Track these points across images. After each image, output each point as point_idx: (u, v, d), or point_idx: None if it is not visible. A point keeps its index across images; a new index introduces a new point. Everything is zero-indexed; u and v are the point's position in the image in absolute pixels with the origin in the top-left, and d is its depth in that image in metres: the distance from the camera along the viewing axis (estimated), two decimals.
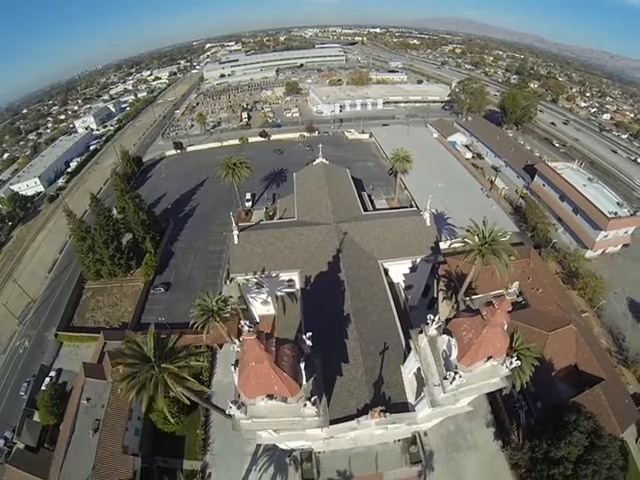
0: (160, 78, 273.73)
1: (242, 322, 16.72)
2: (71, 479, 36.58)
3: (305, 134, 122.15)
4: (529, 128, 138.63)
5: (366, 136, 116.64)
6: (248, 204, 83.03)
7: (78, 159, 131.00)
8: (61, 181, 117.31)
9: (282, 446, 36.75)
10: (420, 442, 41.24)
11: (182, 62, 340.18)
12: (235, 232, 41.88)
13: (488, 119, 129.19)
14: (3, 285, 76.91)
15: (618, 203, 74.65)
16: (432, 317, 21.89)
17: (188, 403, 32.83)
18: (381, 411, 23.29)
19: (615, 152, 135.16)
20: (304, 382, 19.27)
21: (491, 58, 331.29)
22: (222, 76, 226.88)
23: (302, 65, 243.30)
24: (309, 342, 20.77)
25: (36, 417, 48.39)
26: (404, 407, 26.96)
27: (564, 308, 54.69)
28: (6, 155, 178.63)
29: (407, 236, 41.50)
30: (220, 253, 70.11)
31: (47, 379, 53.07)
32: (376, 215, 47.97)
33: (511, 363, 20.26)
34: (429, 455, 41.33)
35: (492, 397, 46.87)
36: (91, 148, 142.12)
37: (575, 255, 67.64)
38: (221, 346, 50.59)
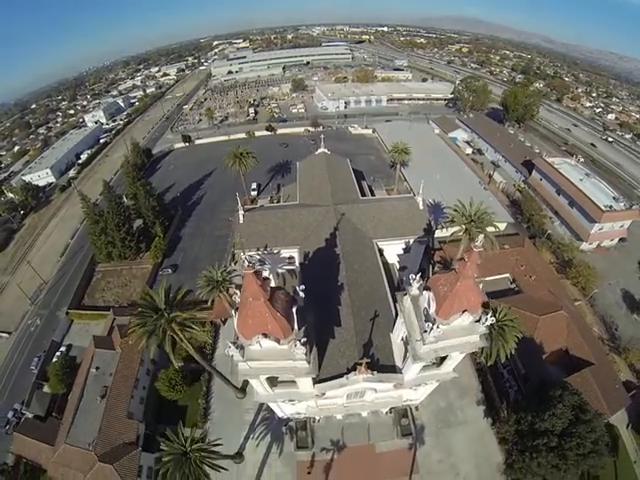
0: (168, 74, 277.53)
1: (245, 256, 19.06)
2: (78, 441, 39.07)
3: (310, 129, 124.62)
4: (531, 126, 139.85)
5: (369, 131, 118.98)
6: (254, 193, 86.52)
7: (88, 151, 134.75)
8: (72, 172, 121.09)
9: (279, 413, 39.12)
10: (411, 416, 43.46)
11: (190, 59, 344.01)
12: (241, 212, 44.43)
13: (491, 117, 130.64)
14: (16, 268, 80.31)
15: (614, 197, 76.05)
16: (414, 276, 24.07)
17: (193, 351, 35.38)
18: (367, 364, 25.53)
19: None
20: (295, 327, 21.60)
21: (497, 58, 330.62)
22: (229, 73, 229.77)
23: (309, 63, 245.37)
24: (302, 294, 23.05)
25: (45, 389, 51.31)
26: (392, 369, 29.12)
27: (556, 295, 56.52)
28: (17, 148, 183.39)
29: (401, 218, 43.74)
30: (226, 238, 73.06)
31: (57, 354, 55.89)
32: (372, 199, 50.47)
33: (487, 320, 22.31)
34: (420, 429, 43.45)
35: (483, 377, 49.00)
36: (101, 141, 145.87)
37: (569, 245, 69.35)
38: (224, 322, 53.13)
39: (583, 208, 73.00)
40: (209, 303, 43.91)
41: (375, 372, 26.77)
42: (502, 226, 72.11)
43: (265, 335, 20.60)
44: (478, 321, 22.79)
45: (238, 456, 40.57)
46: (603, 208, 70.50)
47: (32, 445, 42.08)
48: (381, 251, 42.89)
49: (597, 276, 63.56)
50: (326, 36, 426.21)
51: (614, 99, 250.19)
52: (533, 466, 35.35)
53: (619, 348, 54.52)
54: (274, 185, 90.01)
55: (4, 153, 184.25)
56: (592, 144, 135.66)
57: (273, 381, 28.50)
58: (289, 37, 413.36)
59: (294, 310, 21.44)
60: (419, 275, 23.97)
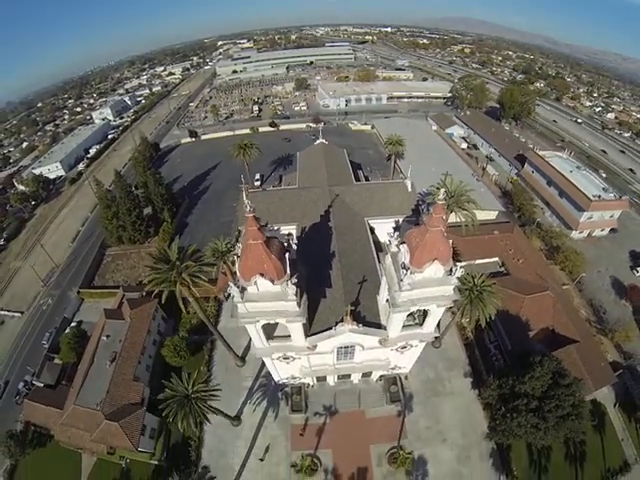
0: (174, 74, 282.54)
1: (246, 202, 22.30)
2: (87, 403, 41.94)
3: (312, 125, 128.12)
4: (528, 123, 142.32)
5: (368, 127, 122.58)
6: (257, 183, 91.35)
7: (97, 146, 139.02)
8: (81, 166, 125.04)
9: (275, 376, 42.28)
10: (400, 384, 46.38)
11: (195, 59, 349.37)
12: (244, 193, 47.83)
13: (489, 115, 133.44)
14: (28, 254, 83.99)
15: (604, 188, 78.62)
16: (393, 235, 27.14)
17: (197, 296, 38.71)
18: (351, 312, 28.62)
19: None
20: (288, 271, 24.74)
21: (500, 58, 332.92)
22: (234, 72, 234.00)
23: (312, 63, 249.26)
24: (294, 246, 26.23)
25: (56, 361, 54.36)
26: (377, 326, 32.24)
27: (543, 277, 59.12)
28: (25, 144, 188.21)
29: (390, 199, 46.87)
30: (230, 223, 76.99)
31: (68, 329, 58.71)
32: (365, 183, 53.98)
33: (457, 271, 25.33)
34: (409, 397, 46.34)
35: (471, 351, 52.03)
36: (109, 137, 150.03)
37: (557, 232, 72.03)
38: (227, 297, 56.48)
39: (572, 198, 75.71)
40: (214, 270, 46.80)
41: (360, 325, 29.79)
42: (493, 215, 75.03)
43: (262, 275, 23.75)
44: (450, 274, 25.81)
45: (236, 419, 43.73)
46: (591, 197, 73.11)
47: (41, 410, 44.66)
48: (372, 230, 45.97)
49: (584, 261, 66.02)
50: (330, 37, 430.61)
51: (615, 99, 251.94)
52: (513, 427, 37.80)
53: (606, 330, 56.69)
54: (276, 176, 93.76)
55: (12, 149, 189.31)
56: (603, 151, 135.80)
57: (269, 334, 31.69)
58: (293, 37, 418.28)
59: (287, 256, 24.58)
60: (397, 233, 27.03)
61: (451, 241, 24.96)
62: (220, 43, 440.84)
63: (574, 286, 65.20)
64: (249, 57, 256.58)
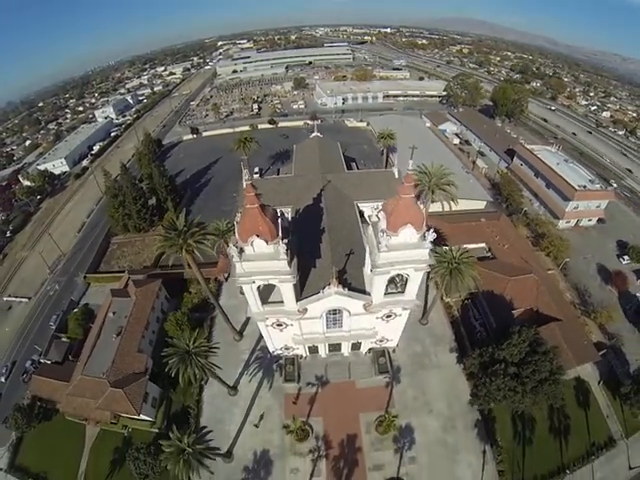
0: (174, 73, 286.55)
1: (245, 171, 25.40)
2: (94, 372, 44.87)
3: (309, 122, 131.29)
4: (522, 121, 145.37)
5: (364, 124, 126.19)
6: (256, 176, 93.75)
7: (100, 143, 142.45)
8: (85, 162, 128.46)
9: (270, 346, 45.38)
10: (388, 356, 49.35)
11: (195, 59, 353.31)
12: (244, 180, 51.15)
13: (483, 113, 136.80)
14: (35, 244, 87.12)
15: (590, 180, 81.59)
16: (373, 206, 30.29)
17: (201, 259, 42.81)
18: (337, 273, 31.70)
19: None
20: (280, 234, 27.98)
21: (498, 58, 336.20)
22: (234, 72, 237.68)
23: (311, 63, 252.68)
24: (287, 216, 29.46)
25: (63, 339, 57.03)
26: (362, 292, 35.31)
27: (528, 261, 62.08)
28: (28, 142, 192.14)
29: (378, 184, 49.89)
30: (230, 212, 79.81)
31: (75, 311, 61.29)
32: (355, 171, 57.10)
33: (429, 235, 28.32)
34: (396, 370, 49.31)
35: (456, 328, 54.90)
36: (112, 134, 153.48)
37: (542, 220, 74.93)
38: (227, 279, 59.68)
39: (558, 188, 78.78)
40: (217, 242, 49.89)
41: (346, 289, 32.87)
42: (482, 205, 78.01)
43: (257, 236, 26.95)
44: (424, 239, 28.85)
45: (233, 389, 46.75)
46: (576, 187, 76.11)
47: (48, 384, 47.49)
48: (362, 213, 49.03)
49: (568, 247, 68.66)
50: (329, 37, 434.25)
51: (612, 98, 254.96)
52: (493, 390, 40.43)
53: (589, 311, 59.12)
54: (274, 169, 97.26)
55: (15, 147, 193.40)
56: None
57: (264, 298, 34.80)
58: (292, 38, 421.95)
59: (279, 222, 27.84)
60: (376, 205, 30.19)
61: (434, 227, 27.84)
62: (220, 43, 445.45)
63: (559, 271, 67.97)
64: (249, 57, 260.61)
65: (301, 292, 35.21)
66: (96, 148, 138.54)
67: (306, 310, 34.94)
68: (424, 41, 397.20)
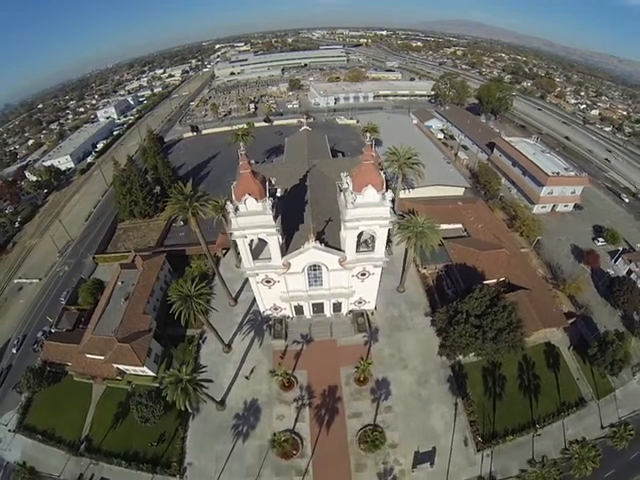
0: (173, 75, 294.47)
1: (241, 144, 31.45)
2: (103, 332, 50.22)
3: (302, 120, 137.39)
4: (507, 117, 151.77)
5: (354, 122, 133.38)
6: None
7: (104, 141, 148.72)
8: (90, 158, 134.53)
9: (261, 306, 51.14)
10: (367, 318, 54.91)
11: (193, 61, 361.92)
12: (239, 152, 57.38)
13: (470, 110, 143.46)
14: (44, 232, 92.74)
15: (565, 168, 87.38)
16: (344, 173, 36.27)
17: (204, 217, 49.63)
18: (315, 231, 37.60)
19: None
20: (267, 194, 34.15)
21: (491, 60, 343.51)
22: (232, 74, 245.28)
23: (306, 65, 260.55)
24: (273, 181, 35.60)
25: (73, 310, 61.97)
26: (337, 249, 41.12)
27: (500, 239, 67.50)
28: (31, 142, 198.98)
29: None
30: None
31: (86, 282, 66.55)
32: (339, 158, 62.91)
33: (388, 195, 34.19)
34: (374, 330, 54.84)
35: (431, 296, 60.27)
36: (114, 133, 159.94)
37: (517, 203, 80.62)
38: (224, 254, 65.78)
39: (533, 175, 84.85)
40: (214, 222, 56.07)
41: (323, 244, 38.73)
42: (460, 191, 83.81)
43: (249, 194, 33.06)
44: (384, 199, 34.74)
45: (227, 347, 52.35)
46: (549, 173, 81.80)
47: (60, 348, 52.30)
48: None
49: (540, 226, 73.97)
50: (325, 40, 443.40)
51: (603, 97, 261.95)
52: (456, 338, 45.65)
53: (559, 283, 64.14)
54: (269, 162, 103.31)
55: (18, 146, 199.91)
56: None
57: (255, 255, 40.68)
58: (289, 40, 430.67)
59: (267, 185, 34.44)
60: (346, 173, 36.22)
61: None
62: (218, 46, 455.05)
63: (532, 249, 73.31)
64: (246, 60, 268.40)
65: (286, 250, 41.08)
66: (100, 146, 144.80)
67: (290, 265, 40.81)
68: (419, 43, 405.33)
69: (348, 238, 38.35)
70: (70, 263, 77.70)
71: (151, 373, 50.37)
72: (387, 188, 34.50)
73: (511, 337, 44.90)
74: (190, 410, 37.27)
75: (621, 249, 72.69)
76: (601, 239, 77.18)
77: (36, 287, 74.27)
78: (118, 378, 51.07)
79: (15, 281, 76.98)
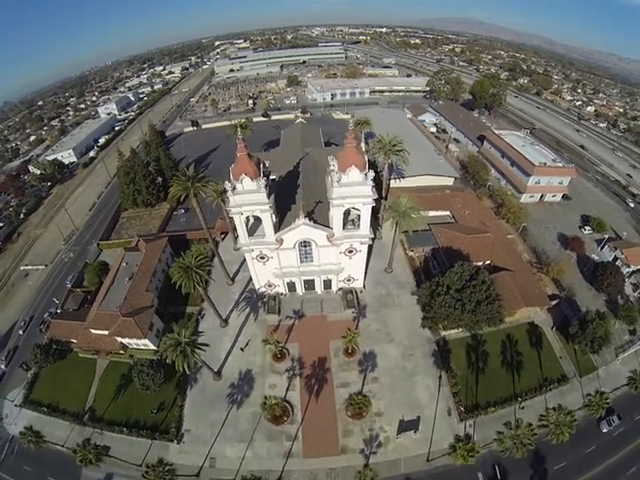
0: (173, 72, 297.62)
1: (239, 130, 34.82)
2: (109, 307, 53.61)
3: (299, 115, 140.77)
4: (501, 112, 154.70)
5: (349, 116, 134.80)
6: None
7: (106, 136, 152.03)
8: (92, 153, 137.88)
9: (256, 283, 54.56)
10: (356, 295, 58.21)
11: (193, 58, 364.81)
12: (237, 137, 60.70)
13: (465, 106, 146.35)
14: (49, 222, 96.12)
15: (553, 159, 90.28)
16: (330, 158, 39.62)
17: (205, 196, 53.76)
18: (305, 209, 40.98)
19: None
20: (261, 174, 37.54)
21: (489, 57, 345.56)
22: (231, 71, 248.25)
23: (305, 62, 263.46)
24: (267, 164, 39.02)
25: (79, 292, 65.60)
26: (326, 226, 44.48)
27: (486, 224, 70.60)
28: (32, 137, 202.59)
29: None
30: None
31: (92, 264, 69.53)
32: (330, 147, 66.34)
33: (370, 174, 37.46)
34: (363, 307, 58.04)
35: (418, 276, 63.34)
36: (116, 128, 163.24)
37: (504, 192, 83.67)
38: (223, 238, 70.20)
39: (520, 165, 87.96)
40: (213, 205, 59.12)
41: (312, 221, 42.10)
42: (450, 181, 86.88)
43: (246, 174, 36.43)
44: (366, 178, 38.07)
45: (224, 322, 55.78)
46: (536, 163, 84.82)
47: (66, 325, 55.44)
48: None
49: (526, 214, 76.84)
50: (325, 37, 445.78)
51: (600, 95, 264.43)
52: (436, 308, 48.49)
53: (543, 265, 66.73)
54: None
55: (20, 142, 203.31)
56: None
57: (251, 230, 44.13)
58: (289, 38, 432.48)
59: (261, 166, 37.90)
60: (331, 157, 39.62)
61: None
62: (218, 43, 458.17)
63: (518, 235, 76.10)
64: (245, 57, 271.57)
65: (279, 228, 44.54)
66: (102, 141, 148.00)
67: (282, 241, 44.32)
68: (417, 40, 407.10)
69: (335, 215, 41.69)
70: (75, 250, 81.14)
71: (152, 347, 53.55)
72: (370, 169, 37.71)
73: (489, 309, 47.62)
74: (188, 372, 40.50)
75: (607, 237, 75.06)
76: (588, 227, 79.44)
77: (42, 273, 77.66)
78: (121, 352, 54.29)
79: (21, 268, 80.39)
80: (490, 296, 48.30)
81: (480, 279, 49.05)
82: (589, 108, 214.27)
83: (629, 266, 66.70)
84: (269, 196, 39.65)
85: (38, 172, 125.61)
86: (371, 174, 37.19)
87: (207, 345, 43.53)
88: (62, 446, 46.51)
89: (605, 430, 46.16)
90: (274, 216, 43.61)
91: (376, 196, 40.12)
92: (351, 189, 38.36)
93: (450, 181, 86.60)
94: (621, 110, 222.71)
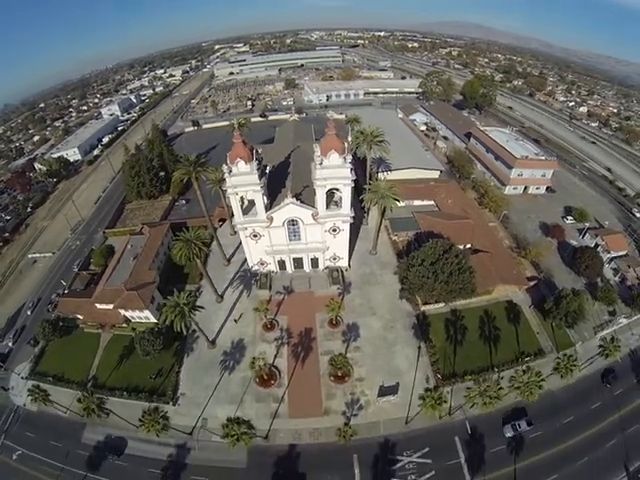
0: (174, 75, 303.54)
1: (235, 120, 40.08)
2: (114, 283, 58.21)
3: (295, 115, 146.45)
4: (492, 112, 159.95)
5: (343, 116, 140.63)
6: None
7: (109, 136, 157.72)
8: (96, 151, 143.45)
9: (249, 261, 59.62)
10: (341, 273, 62.92)
11: (193, 62, 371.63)
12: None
13: (456, 106, 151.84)
14: (55, 215, 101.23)
15: (536, 153, 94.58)
16: (314, 146, 44.66)
17: (206, 180, 59.14)
18: (292, 190, 46.07)
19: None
20: (254, 159, 42.75)
21: (485, 60, 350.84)
22: (231, 74, 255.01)
23: (302, 65, 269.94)
24: (260, 150, 44.32)
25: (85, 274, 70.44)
26: (311, 206, 49.49)
27: (468, 211, 75.09)
28: (36, 138, 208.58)
29: None
30: None
31: (99, 247, 75.15)
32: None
33: (348, 158, 42.46)
34: (348, 284, 62.64)
35: (400, 258, 66.53)
36: (119, 129, 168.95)
37: (487, 183, 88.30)
38: (221, 225, 75.60)
39: (503, 159, 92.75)
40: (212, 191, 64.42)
41: (299, 201, 47.18)
42: (436, 174, 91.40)
43: (240, 158, 41.59)
44: (345, 162, 43.20)
45: (220, 297, 60.57)
46: (517, 156, 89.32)
47: (73, 302, 59.64)
48: None
49: (507, 202, 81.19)
50: (323, 41, 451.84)
51: (595, 96, 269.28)
52: (411, 278, 52.40)
53: (522, 251, 70.02)
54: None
55: (23, 142, 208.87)
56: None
57: (245, 210, 49.16)
58: (288, 42, 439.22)
59: (254, 152, 43.37)
60: (316, 146, 44.88)
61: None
62: (217, 47, 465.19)
63: (499, 223, 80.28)
64: (245, 60, 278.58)
65: (270, 208, 49.90)
66: (105, 140, 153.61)
67: (272, 219, 49.51)
68: (415, 44, 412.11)
69: (319, 194, 46.90)
70: (82, 238, 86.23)
71: (153, 319, 58.04)
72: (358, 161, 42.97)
73: (461, 279, 51.47)
74: (185, 332, 45.07)
75: (588, 225, 78.36)
76: (570, 217, 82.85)
77: (50, 260, 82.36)
78: (124, 325, 58.82)
79: (29, 256, 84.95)
80: (462, 268, 51.76)
81: (453, 253, 52.78)
82: (582, 108, 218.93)
83: (609, 252, 69.09)
84: (260, 177, 44.88)
85: (44, 169, 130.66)
86: (349, 158, 42.27)
87: (203, 307, 48.31)
88: (66, 409, 49.09)
89: (509, 435, 45.43)
90: (265, 197, 48.45)
91: (355, 177, 45.06)
92: (332, 171, 43.70)
93: (436, 174, 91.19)
94: (615, 111, 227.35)
